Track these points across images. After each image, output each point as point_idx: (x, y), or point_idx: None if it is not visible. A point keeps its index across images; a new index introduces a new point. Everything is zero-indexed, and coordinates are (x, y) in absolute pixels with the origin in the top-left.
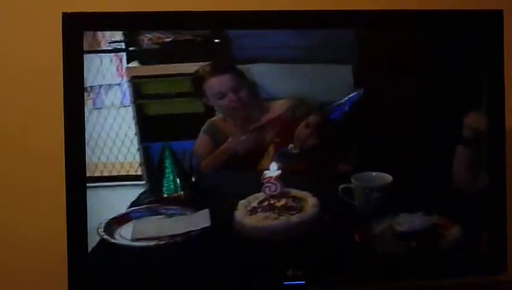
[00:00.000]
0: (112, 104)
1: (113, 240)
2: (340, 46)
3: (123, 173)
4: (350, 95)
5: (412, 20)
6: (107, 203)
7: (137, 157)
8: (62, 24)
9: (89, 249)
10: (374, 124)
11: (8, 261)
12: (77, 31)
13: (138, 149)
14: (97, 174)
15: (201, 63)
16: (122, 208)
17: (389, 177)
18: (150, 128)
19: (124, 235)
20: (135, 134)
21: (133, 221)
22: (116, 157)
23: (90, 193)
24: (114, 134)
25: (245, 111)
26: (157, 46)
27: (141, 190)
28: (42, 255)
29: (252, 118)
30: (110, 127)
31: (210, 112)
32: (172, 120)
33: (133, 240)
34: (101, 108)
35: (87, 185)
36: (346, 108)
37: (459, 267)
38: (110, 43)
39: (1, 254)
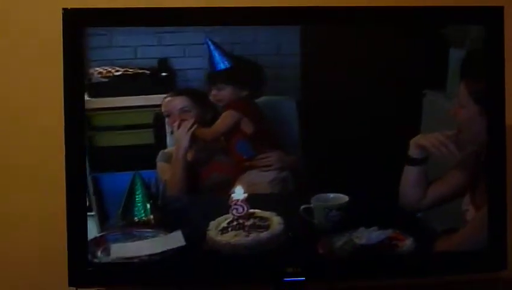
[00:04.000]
0: None
1: (95, 260)
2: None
3: None
4: None
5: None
6: None
7: None
8: (62, 20)
9: None
10: (328, 150)
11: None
12: (78, 27)
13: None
14: None
15: (150, 96)
16: None
17: (345, 197)
18: (99, 159)
19: (104, 255)
20: None
21: (111, 243)
22: None
23: None
24: None
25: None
26: (106, 80)
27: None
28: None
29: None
30: None
31: (161, 143)
32: (122, 151)
33: (113, 259)
34: None
35: None
36: None
37: (458, 265)
38: None
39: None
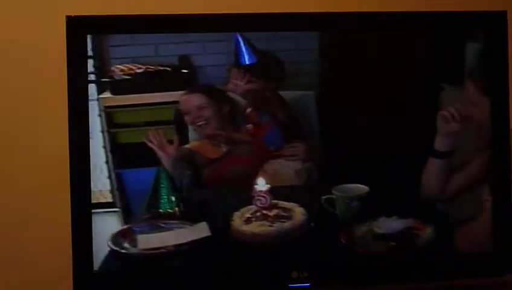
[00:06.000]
0: None
1: (123, 251)
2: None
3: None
4: None
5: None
6: None
7: (108, 185)
8: (66, 27)
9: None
10: (349, 141)
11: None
12: (81, 35)
13: (109, 177)
14: None
15: (171, 93)
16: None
17: (365, 188)
18: (122, 155)
19: (131, 246)
20: (105, 162)
21: (138, 234)
22: None
23: None
24: None
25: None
26: (128, 77)
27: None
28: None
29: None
30: None
31: (183, 139)
32: (144, 147)
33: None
34: None
35: None
36: None
37: (465, 268)
38: None
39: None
